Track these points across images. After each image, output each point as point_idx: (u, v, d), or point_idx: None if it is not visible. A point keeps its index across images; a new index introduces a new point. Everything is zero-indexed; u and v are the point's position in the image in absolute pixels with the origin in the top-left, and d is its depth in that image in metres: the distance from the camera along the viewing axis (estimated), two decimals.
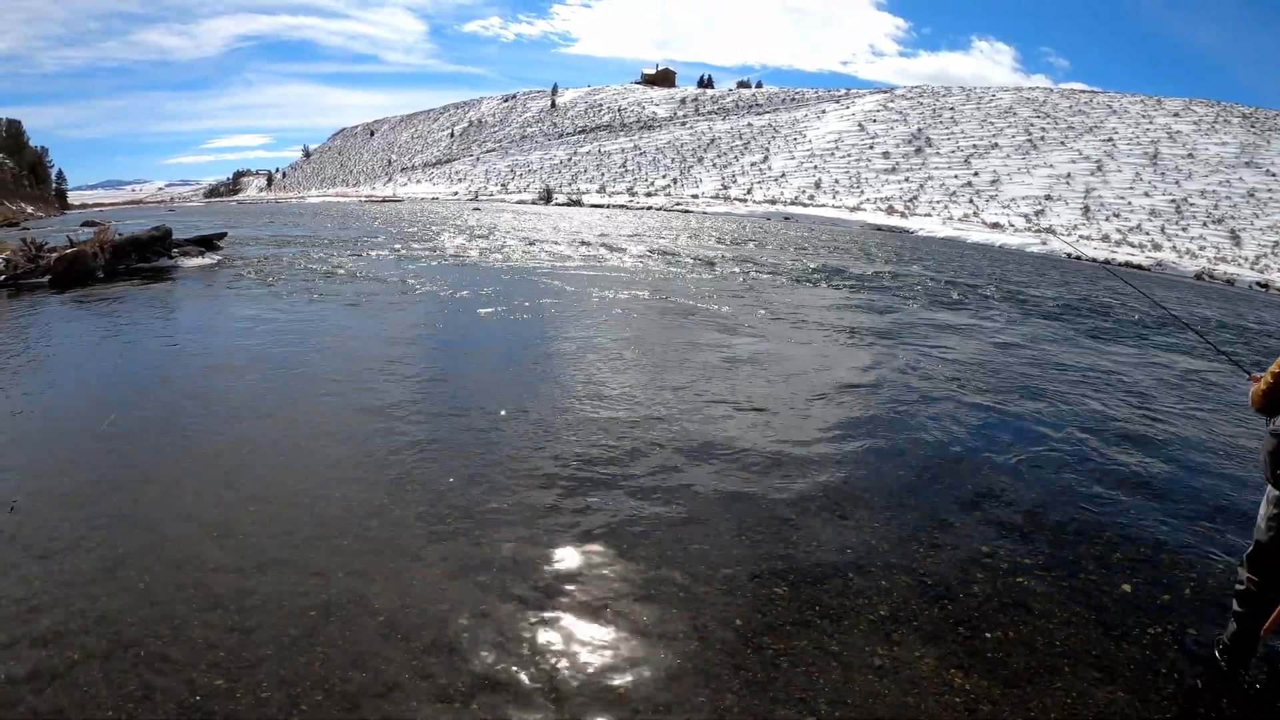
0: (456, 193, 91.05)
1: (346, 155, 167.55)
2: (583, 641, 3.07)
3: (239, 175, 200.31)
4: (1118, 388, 8.24)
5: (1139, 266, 37.64)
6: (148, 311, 9.64)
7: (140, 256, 13.48)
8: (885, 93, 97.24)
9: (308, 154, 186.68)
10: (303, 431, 5.35)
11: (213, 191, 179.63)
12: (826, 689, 2.86)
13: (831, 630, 3.23)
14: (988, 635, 3.27)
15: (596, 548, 3.82)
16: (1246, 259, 43.31)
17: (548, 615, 3.23)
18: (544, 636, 3.08)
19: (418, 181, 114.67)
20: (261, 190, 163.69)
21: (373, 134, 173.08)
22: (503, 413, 5.88)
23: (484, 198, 79.82)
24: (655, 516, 4.20)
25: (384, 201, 70.79)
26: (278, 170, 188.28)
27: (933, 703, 2.82)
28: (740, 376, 7.39)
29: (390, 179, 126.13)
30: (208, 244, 16.01)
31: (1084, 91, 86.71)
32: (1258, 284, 34.76)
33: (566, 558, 3.71)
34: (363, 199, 79.48)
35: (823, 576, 3.66)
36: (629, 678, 2.86)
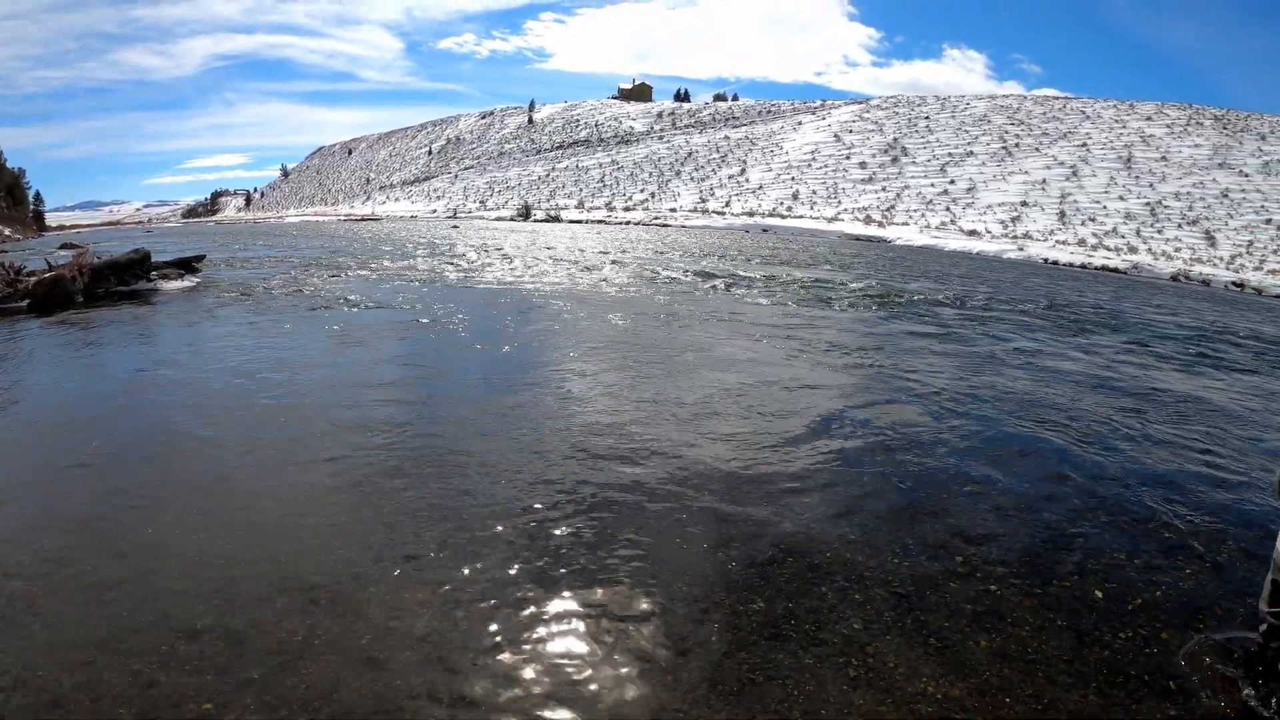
0: (435, 210, 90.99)
1: (325, 174, 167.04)
2: (555, 659, 3.08)
3: (217, 195, 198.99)
4: (1090, 387, 8.34)
5: (1116, 270, 38.13)
6: (127, 337, 9.56)
7: (119, 280, 13.37)
8: (861, 103, 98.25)
9: (286, 173, 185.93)
10: (285, 463, 5.34)
11: (191, 212, 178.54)
12: (801, 701, 2.89)
13: (806, 644, 3.26)
14: (961, 645, 3.31)
15: (570, 566, 3.83)
16: (1222, 259, 44.06)
17: (519, 633, 3.23)
18: (514, 654, 3.09)
19: (396, 200, 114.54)
20: (240, 210, 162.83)
21: (351, 152, 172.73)
22: (488, 428, 5.89)
23: (463, 215, 79.93)
24: (632, 533, 4.21)
25: (363, 220, 70.71)
26: (256, 190, 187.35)
27: (907, 712, 2.86)
28: (728, 395, 7.43)
29: (369, 197, 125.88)
30: (187, 266, 15.91)
31: (1057, 98, 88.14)
32: (1233, 284, 35.34)
33: (538, 580, 3.72)
34: (341, 218, 79.31)
35: (796, 591, 3.69)
36: (602, 696, 2.88)
